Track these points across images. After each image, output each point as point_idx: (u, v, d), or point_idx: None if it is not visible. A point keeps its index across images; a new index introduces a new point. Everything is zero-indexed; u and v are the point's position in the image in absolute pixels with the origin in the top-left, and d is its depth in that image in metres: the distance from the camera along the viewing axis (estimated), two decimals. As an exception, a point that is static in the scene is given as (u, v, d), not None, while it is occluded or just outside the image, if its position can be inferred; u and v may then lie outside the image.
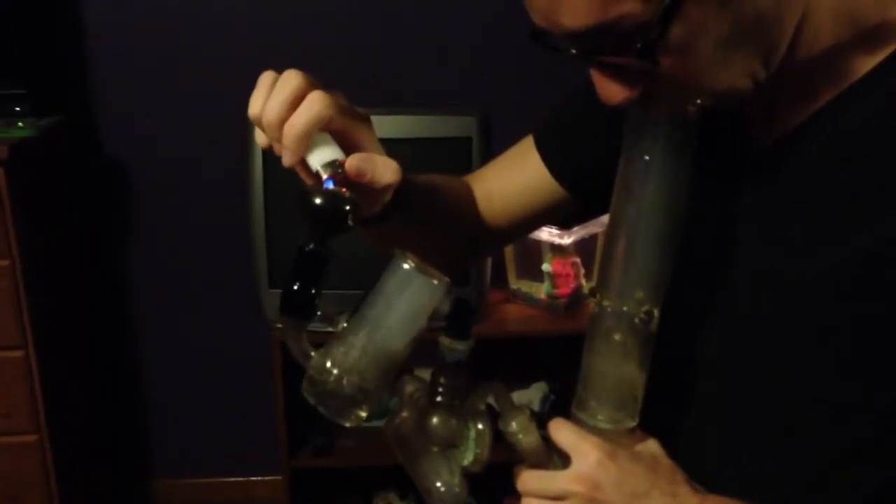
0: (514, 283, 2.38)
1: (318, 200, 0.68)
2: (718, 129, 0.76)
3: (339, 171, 0.71)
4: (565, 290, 2.29)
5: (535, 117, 1.00)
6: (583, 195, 0.97)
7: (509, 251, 2.34)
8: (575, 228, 2.25)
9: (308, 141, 0.71)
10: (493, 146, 2.03)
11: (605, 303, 0.75)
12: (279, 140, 0.71)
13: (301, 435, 2.34)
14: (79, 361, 2.36)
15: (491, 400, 0.77)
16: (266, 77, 0.72)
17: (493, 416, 0.76)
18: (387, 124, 1.87)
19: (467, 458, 0.76)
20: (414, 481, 0.77)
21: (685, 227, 0.74)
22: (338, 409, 0.71)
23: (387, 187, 0.75)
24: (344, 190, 0.70)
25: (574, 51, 0.65)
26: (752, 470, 0.78)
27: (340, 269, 0.72)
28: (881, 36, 0.69)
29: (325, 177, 0.71)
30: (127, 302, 2.54)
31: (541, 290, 2.32)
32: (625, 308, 0.74)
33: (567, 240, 2.24)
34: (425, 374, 0.78)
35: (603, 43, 0.63)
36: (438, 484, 0.76)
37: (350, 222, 0.69)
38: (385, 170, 0.74)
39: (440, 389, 0.76)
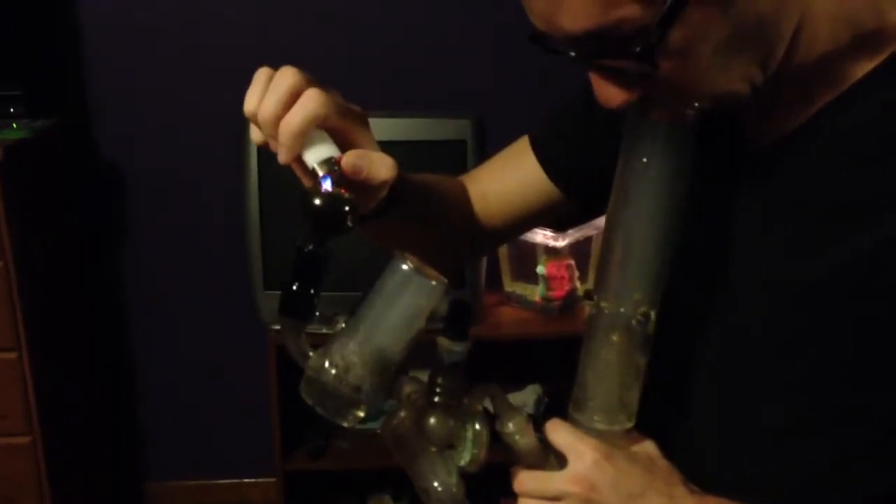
0: (509, 286, 2.38)
1: (318, 202, 0.68)
2: (716, 132, 0.76)
3: (336, 168, 0.71)
4: (560, 292, 2.29)
5: (529, 120, 1.00)
6: (578, 196, 0.97)
7: (504, 253, 2.34)
8: (569, 231, 2.25)
9: (304, 138, 0.70)
10: (487, 149, 2.04)
11: (603, 304, 0.75)
12: (275, 137, 0.71)
13: (295, 437, 2.34)
14: (73, 363, 2.35)
15: (488, 401, 0.78)
16: (261, 73, 0.72)
17: (491, 417, 0.77)
18: (381, 127, 1.86)
19: (464, 459, 0.76)
20: (412, 481, 0.77)
21: (683, 229, 0.74)
22: (336, 409, 0.72)
23: (383, 184, 0.74)
24: (344, 190, 0.70)
25: (573, 54, 0.65)
26: (752, 472, 0.79)
27: (338, 270, 0.72)
28: (878, 40, 0.69)
29: (321, 174, 0.70)
30: (121, 304, 2.53)
31: (535, 293, 2.32)
32: (622, 309, 0.74)
33: (561, 242, 2.24)
34: (423, 375, 0.78)
35: (602, 46, 0.63)
36: (436, 484, 0.76)
37: (349, 223, 0.70)
38: (381, 166, 0.74)
39: (438, 390, 0.76)
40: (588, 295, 0.78)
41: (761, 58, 0.66)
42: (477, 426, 0.76)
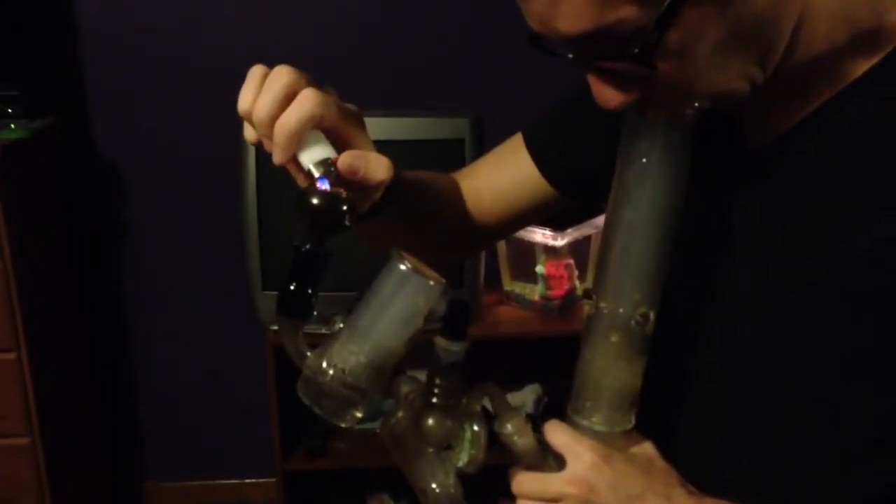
0: (508, 285, 2.38)
1: (315, 200, 0.68)
2: (713, 131, 0.76)
3: (332, 169, 0.70)
4: (559, 291, 2.29)
5: (527, 119, 1.00)
6: (572, 194, 0.97)
7: (503, 253, 2.34)
8: (568, 230, 2.25)
9: (299, 139, 0.70)
10: (486, 148, 2.02)
11: (602, 304, 0.75)
12: (269, 137, 0.70)
13: (294, 437, 2.33)
14: (72, 364, 2.35)
15: (486, 401, 0.77)
16: (256, 71, 0.71)
17: (489, 417, 0.76)
18: (379, 126, 1.86)
19: (462, 460, 0.76)
20: (409, 482, 0.77)
21: (682, 228, 0.74)
22: (333, 409, 0.71)
23: (379, 185, 0.74)
24: (342, 190, 0.69)
25: (571, 55, 0.65)
26: (752, 472, 0.78)
27: (336, 270, 0.72)
28: (877, 39, 0.69)
29: (316, 175, 0.70)
30: (120, 304, 2.53)
31: (534, 292, 2.32)
32: (621, 310, 0.74)
33: (561, 241, 2.24)
34: (421, 375, 0.78)
35: (600, 48, 0.63)
36: (433, 485, 0.76)
37: (347, 222, 0.69)
38: (377, 167, 0.73)
39: (436, 390, 0.76)
40: (587, 294, 0.77)
41: (760, 56, 0.66)
42: (475, 427, 0.76)
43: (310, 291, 0.70)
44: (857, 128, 0.70)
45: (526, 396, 2.45)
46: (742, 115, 0.77)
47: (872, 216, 0.68)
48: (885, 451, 0.73)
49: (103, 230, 2.47)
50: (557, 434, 0.75)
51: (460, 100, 2.33)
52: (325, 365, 0.70)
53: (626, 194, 0.74)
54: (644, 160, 0.73)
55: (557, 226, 2.23)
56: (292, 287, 0.70)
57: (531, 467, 0.76)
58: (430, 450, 0.76)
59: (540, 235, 2.24)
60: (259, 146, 0.74)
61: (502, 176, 0.99)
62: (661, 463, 0.76)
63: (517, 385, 2.48)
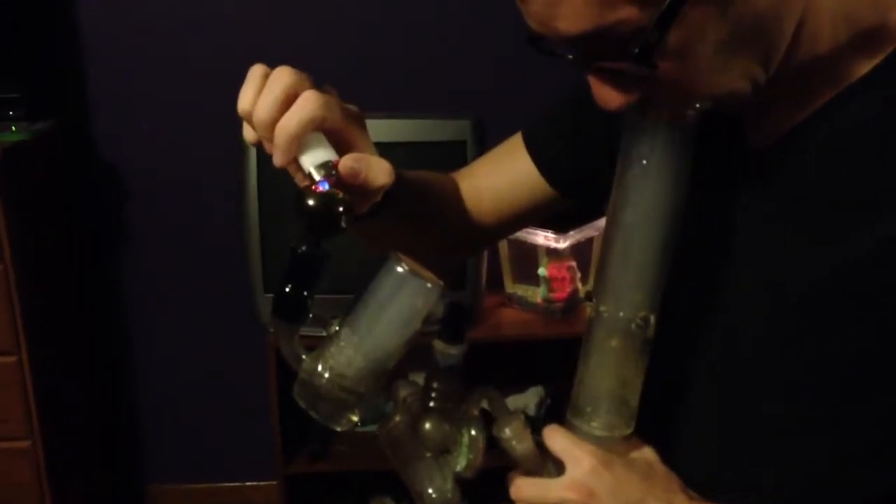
0: (510, 287, 2.38)
1: (311, 202, 0.67)
2: (714, 131, 0.76)
3: (333, 172, 0.69)
4: (561, 294, 2.29)
5: (528, 120, 0.99)
6: (572, 194, 0.97)
7: (505, 255, 2.34)
8: (571, 232, 2.25)
9: (300, 141, 0.69)
10: (487, 150, 2.02)
11: (602, 308, 0.74)
12: (270, 139, 0.69)
13: (296, 440, 2.33)
14: (72, 367, 2.35)
15: (485, 405, 0.77)
16: (256, 71, 0.71)
17: (487, 422, 0.76)
18: (381, 128, 1.86)
19: (460, 464, 0.75)
20: (407, 486, 0.76)
21: (683, 230, 0.73)
22: (329, 413, 0.71)
23: (380, 188, 0.73)
24: (339, 191, 0.68)
25: (571, 56, 0.64)
26: (752, 472, 0.78)
27: (333, 273, 0.71)
28: (879, 38, 0.69)
29: (317, 178, 0.69)
30: (121, 306, 2.53)
31: (537, 294, 2.31)
32: (621, 314, 0.73)
33: (563, 243, 2.24)
34: (419, 378, 0.77)
35: (600, 48, 0.63)
36: (430, 490, 0.75)
37: (343, 224, 0.68)
38: (379, 171, 0.72)
39: (433, 394, 0.75)
40: (589, 296, 0.77)
41: (762, 56, 0.65)
42: (473, 431, 0.75)
43: (306, 294, 0.70)
44: (859, 127, 0.69)
45: (528, 399, 2.44)
46: (744, 115, 0.77)
47: (875, 216, 0.67)
48: (885, 451, 0.72)
49: (103, 231, 2.47)
50: (556, 438, 0.74)
51: (460, 100, 2.32)
52: (321, 368, 0.70)
53: (627, 196, 0.73)
54: (645, 161, 0.72)
55: (560, 228, 2.23)
56: (288, 289, 0.70)
57: (530, 472, 0.76)
58: (428, 454, 0.76)
59: (542, 237, 2.24)
60: (259, 147, 0.73)
61: (502, 176, 0.99)
62: (661, 468, 0.75)
63: (519, 388, 2.48)
